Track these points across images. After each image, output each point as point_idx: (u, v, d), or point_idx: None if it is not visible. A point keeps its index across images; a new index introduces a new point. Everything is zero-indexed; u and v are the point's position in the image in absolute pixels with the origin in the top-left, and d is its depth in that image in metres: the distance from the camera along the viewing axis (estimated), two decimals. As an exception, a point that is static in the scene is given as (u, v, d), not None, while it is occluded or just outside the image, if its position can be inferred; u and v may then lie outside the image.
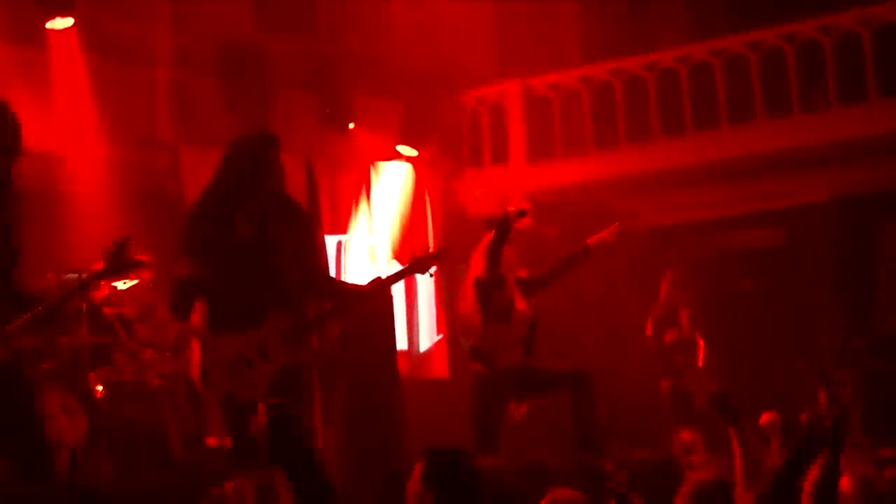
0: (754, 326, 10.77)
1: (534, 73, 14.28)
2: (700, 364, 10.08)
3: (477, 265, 8.55)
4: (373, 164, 13.51)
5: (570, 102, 14.04)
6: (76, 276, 9.15)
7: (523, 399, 8.59)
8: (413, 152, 13.26)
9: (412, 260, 6.39)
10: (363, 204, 13.20)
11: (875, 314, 12.48)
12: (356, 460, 9.37)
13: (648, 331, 10.12)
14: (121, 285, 9.51)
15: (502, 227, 8.23)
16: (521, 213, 8.31)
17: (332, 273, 10.76)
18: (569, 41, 15.26)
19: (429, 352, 13.35)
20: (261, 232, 5.97)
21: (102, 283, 5.74)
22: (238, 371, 5.80)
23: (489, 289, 8.45)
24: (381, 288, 6.41)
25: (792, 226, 13.08)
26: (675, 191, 13.18)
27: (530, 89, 14.26)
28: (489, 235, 8.44)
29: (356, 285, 6.69)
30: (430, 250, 6.52)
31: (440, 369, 13.34)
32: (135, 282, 9.59)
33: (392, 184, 13.59)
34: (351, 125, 13.08)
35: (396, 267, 6.66)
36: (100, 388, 9.00)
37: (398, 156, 13.52)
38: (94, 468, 8.55)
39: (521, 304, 8.54)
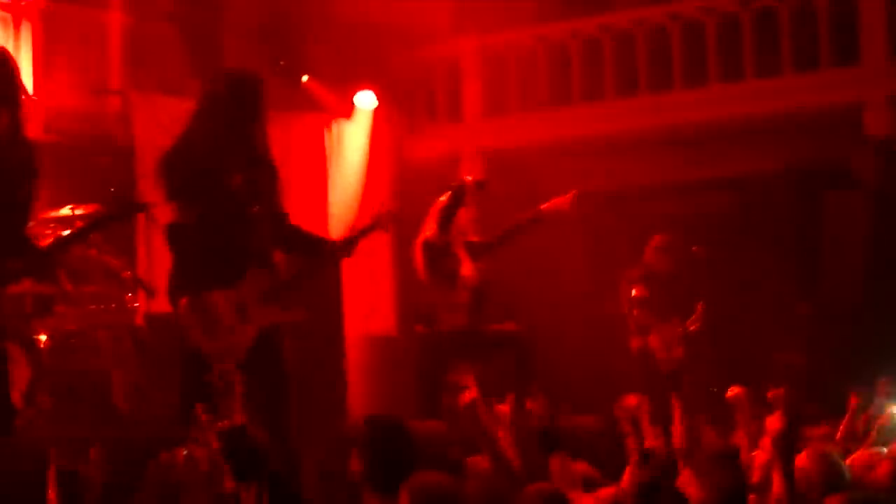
0: (704, 293, 10.75)
1: (489, 31, 14.16)
2: (692, 328, 10.05)
3: (427, 227, 8.51)
4: (327, 117, 13.40)
5: (525, 61, 13.95)
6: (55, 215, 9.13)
7: (465, 361, 8.59)
8: (370, 105, 13.15)
9: (375, 217, 6.28)
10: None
11: (820, 281, 12.56)
12: (300, 425, 9.32)
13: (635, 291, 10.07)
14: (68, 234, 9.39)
15: (457, 194, 8.18)
16: (480, 185, 8.27)
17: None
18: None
19: (377, 309, 13.28)
20: (247, 181, 5.79)
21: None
22: (216, 332, 5.60)
23: (436, 252, 8.43)
24: (351, 244, 6.22)
25: (743, 193, 13.10)
26: (628, 154, 13.14)
27: (486, 47, 14.15)
28: (442, 197, 8.39)
29: (327, 240, 6.48)
30: (391, 208, 6.37)
31: (387, 326, 13.30)
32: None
33: (348, 138, 13.48)
34: (305, 77, 12.96)
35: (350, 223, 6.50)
36: (43, 337, 8.90)
37: (353, 109, 13.41)
38: (36, 419, 8.46)
39: (467, 269, 8.54)
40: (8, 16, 11.56)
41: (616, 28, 13.53)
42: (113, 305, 9.22)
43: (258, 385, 5.58)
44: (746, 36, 12.81)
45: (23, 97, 5.26)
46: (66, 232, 5.60)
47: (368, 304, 13.03)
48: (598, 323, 10.85)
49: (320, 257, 6.12)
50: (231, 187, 5.66)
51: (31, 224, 8.99)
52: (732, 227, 12.89)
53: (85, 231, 5.47)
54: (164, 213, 5.72)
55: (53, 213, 9.39)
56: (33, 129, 10.97)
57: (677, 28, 13.15)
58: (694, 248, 10.57)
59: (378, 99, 13.32)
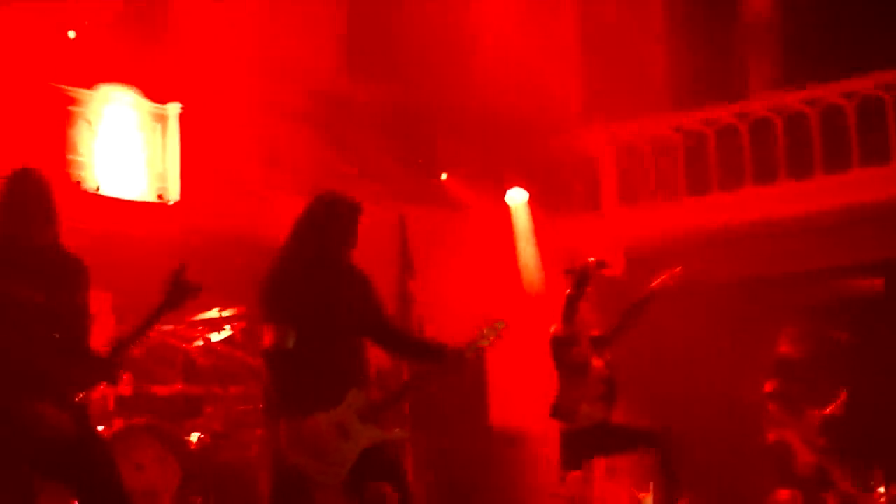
0: (852, 379, 10.50)
1: (621, 119, 14.17)
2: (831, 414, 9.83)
3: (555, 321, 8.46)
4: (470, 211, 13.49)
5: (661, 150, 13.91)
6: (171, 327, 9.36)
7: (606, 456, 8.50)
8: (523, 198, 13.21)
9: (483, 330, 6.17)
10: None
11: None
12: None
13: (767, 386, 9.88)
14: (215, 336, 9.60)
15: (582, 278, 8.10)
16: (601, 265, 8.20)
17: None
18: (657, 86, 15.13)
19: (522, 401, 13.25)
20: (343, 302, 5.80)
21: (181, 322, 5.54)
22: (315, 452, 5.60)
23: (564, 345, 8.37)
24: (461, 357, 6.11)
25: (891, 276, 12.81)
26: (769, 241, 12.98)
27: (619, 136, 14.15)
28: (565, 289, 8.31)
29: (442, 347, 6.36)
30: (494, 322, 6.22)
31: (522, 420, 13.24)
32: (228, 333, 9.68)
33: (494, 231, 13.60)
34: (444, 175, 13.08)
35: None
36: (193, 437, 9.05)
37: (497, 203, 13.51)
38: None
39: (596, 362, 8.45)
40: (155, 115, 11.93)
41: (753, 115, 13.41)
42: (260, 405, 9.32)
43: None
44: (890, 117, 12.62)
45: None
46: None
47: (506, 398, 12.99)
48: (738, 413, 10.65)
49: (435, 365, 6.05)
50: (328, 311, 5.67)
51: (172, 328, 9.29)
52: (882, 312, 12.59)
53: (142, 329, 5.51)
54: (266, 335, 5.74)
55: (201, 316, 9.61)
56: (175, 230, 11.44)
57: (815, 113, 13.00)
58: (836, 334, 10.38)
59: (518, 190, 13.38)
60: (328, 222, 5.81)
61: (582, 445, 8.27)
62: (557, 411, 8.35)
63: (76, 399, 5.20)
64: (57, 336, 5.16)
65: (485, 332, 6.03)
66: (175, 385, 9.34)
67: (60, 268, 5.29)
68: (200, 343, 9.52)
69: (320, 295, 5.67)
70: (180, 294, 5.32)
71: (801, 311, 11.87)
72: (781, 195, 12.98)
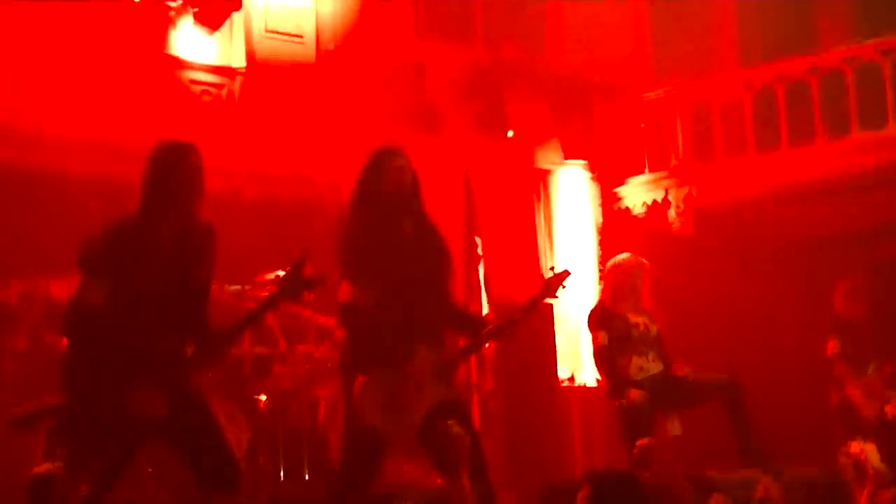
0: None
1: (690, 77, 14.04)
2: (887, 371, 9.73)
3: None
4: (535, 172, 13.49)
5: (730, 107, 13.77)
6: (238, 287, 9.44)
7: (671, 411, 8.45)
8: (580, 163, 13.22)
9: (542, 286, 6.15)
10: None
11: None
12: (516, 472, 9.36)
13: (829, 347, 9.81)
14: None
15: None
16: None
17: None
18: (727, 43, 14.98)
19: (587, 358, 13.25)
20: (416, 257, 5.82)
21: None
22: (389, 409, 5.63)
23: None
24: (515, 322, 6.10)
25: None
26: (839, 197, 12.81)
27: (690, 94, 14.02)
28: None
29: (486, 321, 6.35)
30: (561, 273, 6.17)
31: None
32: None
33: (558, 193, 13.58)
34: (510, 133, 13.07)
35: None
36: (262, 397, 9.13)
37: (559, 164, 13.50)
38: (258, 478, 8.67)
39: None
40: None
41: (823, 68, 13.23)
42: (328, 364, 9.38)
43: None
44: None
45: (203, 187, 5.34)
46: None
47: (577, 354, 12.99)
48: (808, 370, 10.56)
49: (483, 336, 6.05)
50: (397, 271, 5.67)
51: (246, 287, 9.37)
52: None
53: (257, 315, 5.51)
54: (342, 291, 5.72)
55: (269, 276, 9.67)
56: (251, 192, 11.55)
57: (888, 64, 12.79)
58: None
59: (586, 151, 13.36)
60: (387, 177, 5.82)
61: (641, 410, 8.20)
62: (612, 392, 8.34)
63: (187, 379, 5.25)
64: (175, 318, 5.20)
65: (549, 284, 6.03)
66: (243, 345, 9.43)
67: (192, 245, 5.30)
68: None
69: (393, 252, 5.70)
70: (299, 285, 5.32)
71: (872, 268, 11.70)
72: (853, 148, 12.77)
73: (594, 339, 8.44)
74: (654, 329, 8.53)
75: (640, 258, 8.79)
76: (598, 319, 8.48)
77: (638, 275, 8.67)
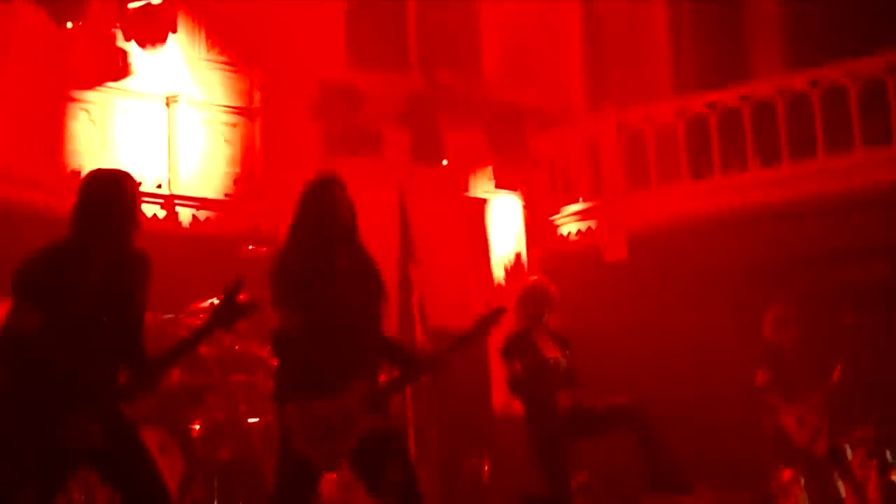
0: (858, 363, 10.48)
1: (626, 105, 14.15)
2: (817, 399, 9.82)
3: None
4: (469, 200, 13.54)
5: (664, 135, 13.89)
6: (172, 315, 9.38)
7: (581, 441, 8.51)
8: (514, 192, 13.29)
9: (476, 322, 6.16)
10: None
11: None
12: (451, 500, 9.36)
13: (759, 376, 9.89)
14: (215, 325, 9.58)
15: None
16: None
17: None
18: (661, 72, 15.11)
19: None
20: (350, 291, 5.82)
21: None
22: (319, 437, 5.61)
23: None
24: (449, 357, 6.12)
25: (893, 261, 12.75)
26: (771, 225, 12.95)
27: (624, 122, 14.11)
28: None
29: (418, 355, 6.36)
30: (498, 306, 6.19)
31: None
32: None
33: (492, 221, 13.63)
34: (444, 161, 13.11)
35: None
36: (195, 427, 9.06)
37: (493, 192, 13.56)
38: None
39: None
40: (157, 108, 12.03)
41: (755, 98, 13.39)
42: (262, 393, 9.32)
43: (383, 483, 5.58)
44: (892, 100, 12.58)
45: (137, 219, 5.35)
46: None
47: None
48: (741, 396, 10.63)
49: (415, 369, 6.08)
50: (335, 297, 5.68)
51: (179, 315, 9.32)
52: (887, 296, 12.53)
53: (191, 343, 5.49)
54: (275, 320, 5.72)
55: (203, 304, 9.62)
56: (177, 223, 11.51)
57: (817, 95, 12.97)
58: (846, 317, 10.37)
59: (520, 180, 13.43)
60: (324, 208, 5.82)
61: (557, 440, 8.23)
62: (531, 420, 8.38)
63: (119, 408, 5.21)
64: (109, 346, 5.16)
65: (484, 320, 6.04)
66: (175, 374, 9.36)
67: (127, 273, 5.26)
68: (201, 332, 9.53)
69: (330, 281, 5.69)
70: (233, 313, 5.28)
71: (805, 295, 11.83)
72: (783, 178, 12.93)
73: (509, 368, 8.44)
74: (564, 363, 8.59)
75: (549, 284, 8.82)
76: (513, 348, 8.48)
77: (547, 301, 8.71)
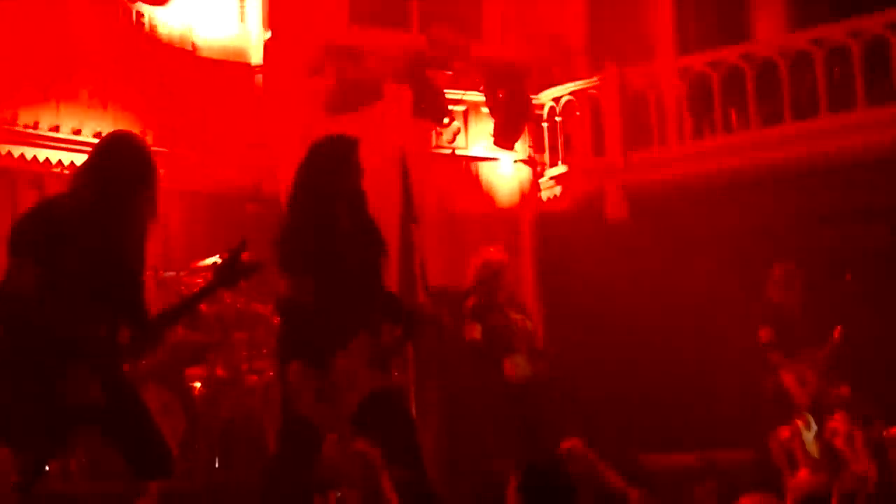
0: (859, 323, 10.49)
1: (627, 65, 14.09)
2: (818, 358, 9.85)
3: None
4: (469, 159, 13.52)
5: (666, 94, 13.84)
6: (173, 274, 9.40)
7: None
8: (513, 153, 13.27)
9: (472, 277, 6.20)
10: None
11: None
12: (452, 461, 9.38)
13: (762, 334, 9.92)
14: (217, 282, 9.59)
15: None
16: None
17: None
18: (663, 32, 15.02)
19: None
20: (352, 249, 5.79)
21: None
22: (322, 398, 5.60)
23: None
24: (449, 314, 6.17)
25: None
26: (774, 185, 12.92)
27: (625, 81, 14.04)
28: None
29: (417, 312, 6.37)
30: (488, 263, 6.22)
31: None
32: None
33: (492, 181, 13.61)
34: (446, 119, 13.09)
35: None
36: (197, 385, 9.08)
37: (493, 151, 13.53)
38: (193, 465, 8.63)
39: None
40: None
41: (757, 56, 13.33)
42: (264, 351, 9.35)
43: (385, 441, 5.60)
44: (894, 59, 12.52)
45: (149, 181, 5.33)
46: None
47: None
48: (743, 356, 10.66)
49: (416, 325, 6.07)
50: (339, 262, 5.65)
51: (181, 274, 9.33)
52: (886, 256, 12.52)
53: (193, 302, 5.50)
54: (281, 284, 5.70)
55: (203, 263, 9.63)
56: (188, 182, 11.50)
57: (821, 54, 12.91)
58: (847, 276, 10.39)
59: (518, 139, 13.41)
60: (332, 166, 5.79)
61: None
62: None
63: (119, 366, 5.23)
64: (107, 303, 5.16)
65: (479, 276, 6.07)
66: (177, 333, 9.37)
67: (127, 231, 5.26)
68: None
69: (335, 244, 5.67)
70: (236, 273, 5.29)
71: (808, 255, 11.82)
72: (787, 137, 12.88)
73: (467, 332, 8.50)
74: (529, 325, 8.68)
75: (503, 254, 8.91)
76: (475, 311, 8.52)
77: (503, 268, 8.79)
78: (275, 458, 5.89)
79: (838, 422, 8.48)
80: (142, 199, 5.30)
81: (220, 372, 9.36)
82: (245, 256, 5.26)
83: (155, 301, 9.32)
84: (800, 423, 9.01)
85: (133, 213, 5.29)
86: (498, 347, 8.59)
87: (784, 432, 9.44)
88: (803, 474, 7.49)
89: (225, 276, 5.28)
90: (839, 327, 9.84)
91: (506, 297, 8.69)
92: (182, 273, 9.56)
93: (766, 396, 9.86)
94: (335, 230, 5.72)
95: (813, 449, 8.86)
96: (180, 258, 9.83)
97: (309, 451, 5.71)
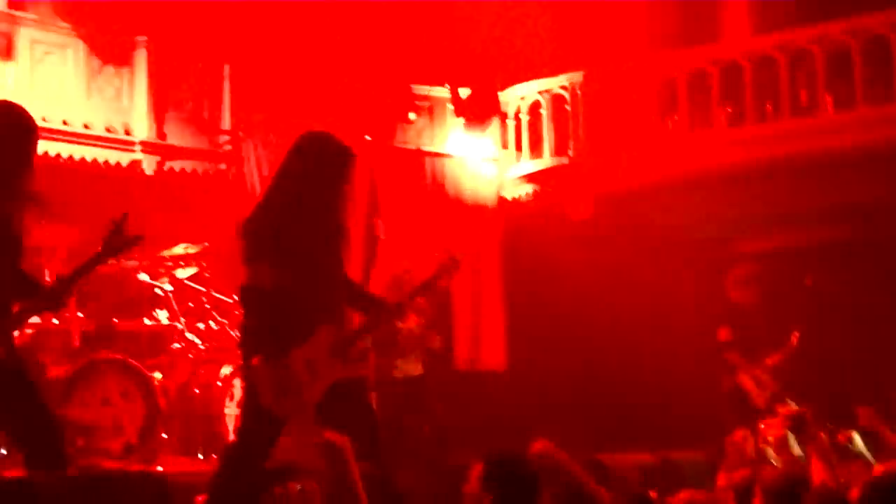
0: (818, 325, 10.59)
1: (596, 62, 14.13)
2: (775, 362, 9.93)
3: None
4: (433, 155, 13.54)
5: (635, 92, 13.88)
6: (135, 263, 9.39)
7: None
8: (480, 150, 13.33)
9: (437, 269, 6.22)
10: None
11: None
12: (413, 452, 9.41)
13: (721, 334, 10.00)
14: (181, 273, 9.62)
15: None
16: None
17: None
18: (636, 29, 15.05)
19: (487, 343, 13.34)
20: (325, 245, 5.81)
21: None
22: (285, 390, 5.62)
23: None
24: (408, 302, 6.24)
25: (857, 222, 12.83)
26: (736, 185, 13.00)
27: (594, 79, 14.07)
28: None
29: (382, 299, 6.41)
30: (452, 256, 6.25)
31: (497, 361, 13.33)
32: (194, 270, 9.72)
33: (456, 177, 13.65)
34: (412, 115, 13.11)
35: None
36: (158, 375, 9.08)
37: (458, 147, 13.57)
38: (151, 454, 8.63)
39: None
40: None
41: (724, 60, 13.41)
42: (224, 342, 9.36)
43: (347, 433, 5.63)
44: (857, 64, 12.63)
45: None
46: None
47: (477, 340, 13.09)
48: (702, 356, 10.74)
49: (381, 314, 6.10)
50: (309, 253, 5.68)
51: (140, 262, 9.34)
52: (848, 257, 12.63)
53: (84, 270, 5.61)
54: (245, 273, 5.75)
55: (167, 252, 9.63)
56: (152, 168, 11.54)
57: (784, 57, 13.01)
58: (807, 279, 10.47)
59: (486, 135, 13.45)
60: (318, 165, 5.79)
61: None
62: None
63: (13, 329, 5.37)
64: None
65: (443, 267, 6.09)
66: (141, 321, 9.38)
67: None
68: (166, 279, 9.56)
69: (304, 239, 5.67)
70: (119, 244, 5.49)
71: (769, 256, 11.91)
72: (750, 138, 12.96)
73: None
74: (418, 331, 8.91)
75: (411, 271, 9.16)
76: None
77: (405, 273, 8.95)
78: (233, 446, 5.90)
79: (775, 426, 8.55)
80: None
81: (182, 361, 9.37)
82: (128, 229, 5.50)
83: (117, 289, 9.39)
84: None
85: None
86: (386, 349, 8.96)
87: (738, 434, 9.52)
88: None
89: (112, 246, 5.46)
90: (796, 333, 9.93)
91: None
92: (144, 262, 9.56)
93: (724, 396, 9.94)
94: (311, 224, 5.72)
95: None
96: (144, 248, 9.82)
97: (268, 441, 5.72)
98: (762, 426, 8.95)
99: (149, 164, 11.90)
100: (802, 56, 12.93)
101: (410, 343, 9.03)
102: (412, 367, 9.09)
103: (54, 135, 11.22)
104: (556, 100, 14.12)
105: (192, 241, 9.70)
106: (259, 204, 5.86)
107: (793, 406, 9.43)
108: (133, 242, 5.55)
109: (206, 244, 9.65)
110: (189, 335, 9.51)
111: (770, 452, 8.66)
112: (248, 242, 5.70)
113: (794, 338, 9.90)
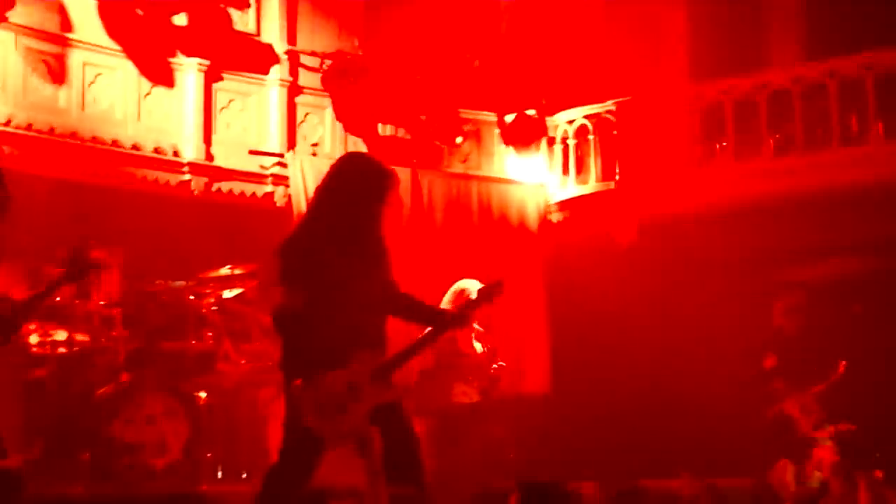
0: (866, 352, 10.49)
1: (640, 90, 14.12)
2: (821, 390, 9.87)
3: None
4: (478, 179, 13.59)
5: (678, 120, 13.86)
6: (182, 283, 9.47)
7: None
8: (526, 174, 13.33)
9: (487, 287, 6.20)
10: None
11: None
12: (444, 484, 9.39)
13: (767, 361, 9.95)
14: (226, 294, 9.68)
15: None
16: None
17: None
18: (678, 59, 15.05)
19: (530, 366, 13.31)
20: (361, 266, 5.80)
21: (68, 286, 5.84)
22: (330, 412, 5.61)
23: None
24: (464, 316, 6.19)
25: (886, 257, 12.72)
26: (783, 214, 12.94)
27: (640, 105, 14.06)
28: None
29: (442, 311, 6.40)
30: (500, 278, 6.24)
31: (542, 384, 13.30)
32: (239, 291, 9.77)
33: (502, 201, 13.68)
34: (459, 139, 13.15)
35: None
36: (202, 394, 9.13)
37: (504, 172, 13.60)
38: (195, 473, 8.68)
39: None
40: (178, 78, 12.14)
41: (772, 86, 13.36)
42: (270, 363, 9.40)
43: (388, 456, 5.61)
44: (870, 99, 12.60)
45: None
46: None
47: (520, 363, 13.05)
48: (745, 384, 10.67)
49: (436, 329, 6.08)
50: (344, 275, 5.67)
51: (189, 283, 9.40)
52: (874, 292, 12.53)
53: (44, 294, 5.67)
54: (277, 296, 5.76)
55: (213, 273, 9.70)
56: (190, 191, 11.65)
57: (834, 84, 12.95)
58: (855, 307, 10.40)
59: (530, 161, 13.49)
60: (356, 187, 5.79)
61: None
62: None
63: None
64: None
65: (483, 292, 6.09)
66: (186, 341, 9.44)
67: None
68: (212, 300, 9.62)
69: (338, 260, 5.68)
70: (81, 269, 5.67)
71: (815, 285, 11.83)
72: (799, 167, 12.90)
73: None
74: (482, 357, 9.01)
75: None
76: None
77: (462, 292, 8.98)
78: (275, 467, 5.92)
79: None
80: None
81: (227, 382, 9.42)
82: (92, 253, 5.69)
83: (164, 309, 9.46)
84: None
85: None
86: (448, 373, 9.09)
87: (783, 463, 9.46)
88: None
89: (73, 270, 5.55)
90: (843, 362, 9.86)
91: None
92: (191, 283, 9.62)
93: (768, 424, 9.86)
94: (338, 245, 5.72)
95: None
96: (191, 269, 9.89)
97: (310, 462, 5.73)
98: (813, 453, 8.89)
99: (196, 185, 12.02)
100: (852, 84, 12.87)
101: (473, 370, 8.98)
102: (471, 394, 9.03)
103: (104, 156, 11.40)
104: (603, 124, 14.12)
105: (239, 263, 9.76)
106: (297, 225, 5.88)
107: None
108: (95, 268, 5.72)
109: (254, 266, 9.69)
110: (234, 356, 9.56)
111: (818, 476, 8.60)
112: (283, 264, 5.71)
113: (841, 367, 9.82)
